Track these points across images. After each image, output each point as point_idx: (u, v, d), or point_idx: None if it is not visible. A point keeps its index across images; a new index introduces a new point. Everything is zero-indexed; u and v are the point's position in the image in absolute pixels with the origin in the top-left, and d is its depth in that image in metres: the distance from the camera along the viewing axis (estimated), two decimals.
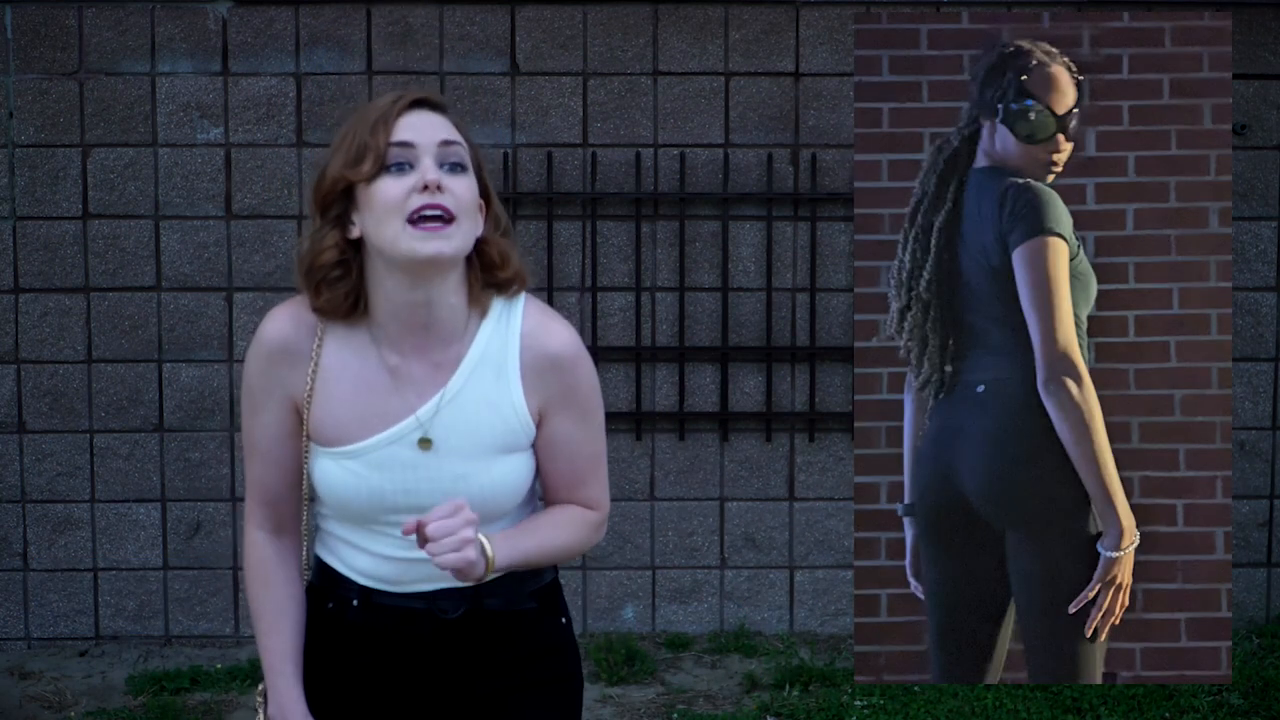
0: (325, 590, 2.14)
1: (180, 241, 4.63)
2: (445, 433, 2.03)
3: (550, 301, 4.55)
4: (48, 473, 4.66)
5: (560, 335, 2.10)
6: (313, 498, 2.14)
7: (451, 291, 2.02)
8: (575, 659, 2.21)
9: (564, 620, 2.20)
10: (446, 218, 1.96)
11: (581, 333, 3.65)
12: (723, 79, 4.69)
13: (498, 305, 2.08)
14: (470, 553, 1.90)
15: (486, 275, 2.05)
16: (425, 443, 2.02)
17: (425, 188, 1.94)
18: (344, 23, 4.61)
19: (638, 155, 4.67)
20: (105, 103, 4.59)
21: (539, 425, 2.09)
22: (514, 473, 2.08)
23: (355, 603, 2.11)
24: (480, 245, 2.04)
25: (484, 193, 2.05)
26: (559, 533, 2.11)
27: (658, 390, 4.73)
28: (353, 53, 4.61)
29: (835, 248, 4.72)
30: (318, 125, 4.61)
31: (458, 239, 1.97)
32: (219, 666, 4.49)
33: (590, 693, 4.31)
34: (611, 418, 4.59)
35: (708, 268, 4.71)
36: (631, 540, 4.75)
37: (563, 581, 2.26)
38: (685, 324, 4.71)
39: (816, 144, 4.70)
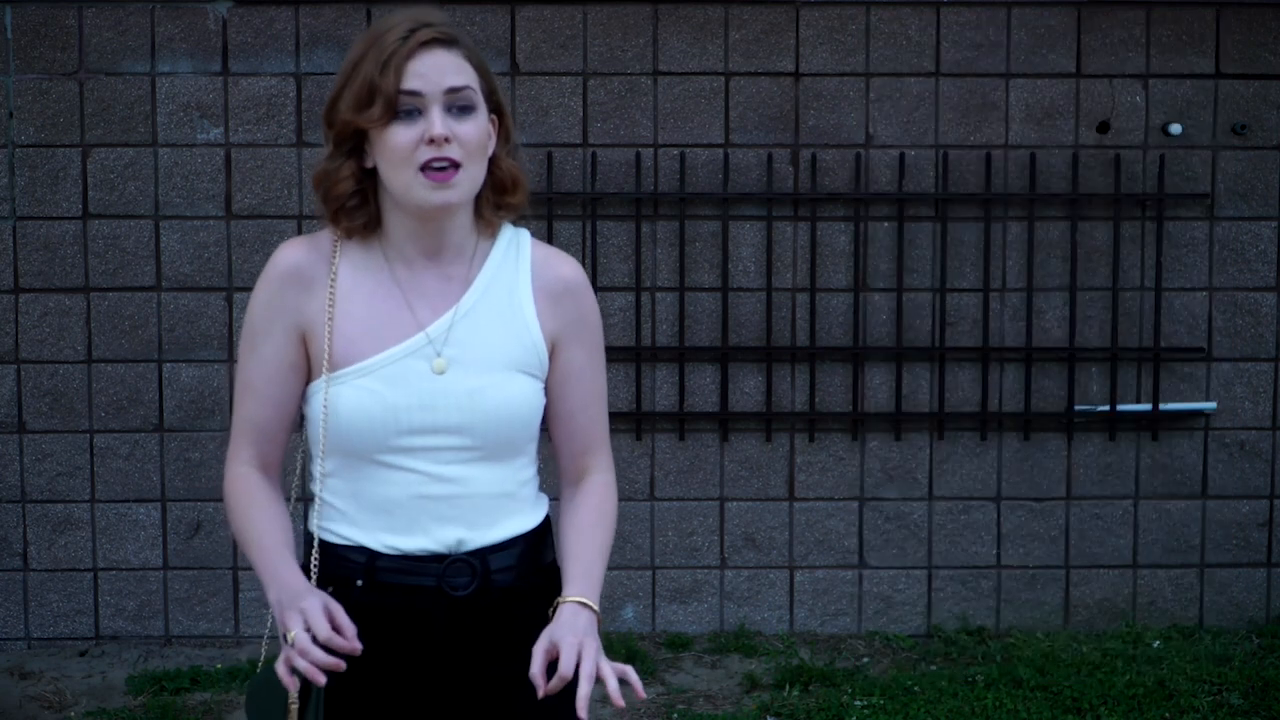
0: (324, 574, 2.08)
1: (180, 241, 4.63)
2: (459, 347, 2.05)
3: None
4: (48, 473, 4.66)
5: (571, 263, 2.17)
6: (307, 463, 2.12)
7: (462, 212, 2.07)
8: None
9: None
10: (455, 165, 2.00)
11: None
12: (723, 79, 4.68)
13: (506, 232, 2.14)
14: (592, 648, 1.94)
15: (497, 197, 2.10)
16: (440, 362, 2.04)
17: (432, 141, 1.98)
18: (344, 23, 4.61)
19: (638, 155, 4.67)
20: (105, 103, 4.59)
21: (552, 358, 2.13)
22: (527, 395, 2.09)
23: (360, 582, 2.06)
24: (491, 165, 2.08)
25: (496, 109, 2.08)
26: (607, 534, 2.16)
27: (658, 390, 4.72)
28: None
29: (835, 248, 4.72)
30: (318, 125, 4.60)
31: (465, 184, 2.02)
32: (219, 666, 4.49)
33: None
34: (611, 418, 4.55)
35: (708, 268, 4.71)
36: (631, 540, 4.74)
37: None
38: (685, 324, 4.71)
39: (816, 144, 4.69)
